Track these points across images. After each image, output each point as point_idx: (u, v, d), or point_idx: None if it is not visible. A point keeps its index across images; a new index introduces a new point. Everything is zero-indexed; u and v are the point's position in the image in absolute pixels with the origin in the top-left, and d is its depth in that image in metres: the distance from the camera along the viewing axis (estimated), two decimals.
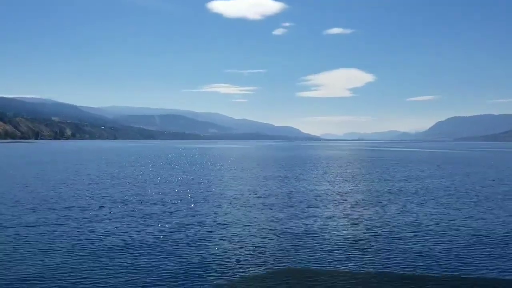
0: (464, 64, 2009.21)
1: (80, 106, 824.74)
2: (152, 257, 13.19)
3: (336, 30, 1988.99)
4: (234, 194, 26.72)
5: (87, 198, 24.38)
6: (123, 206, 21.54)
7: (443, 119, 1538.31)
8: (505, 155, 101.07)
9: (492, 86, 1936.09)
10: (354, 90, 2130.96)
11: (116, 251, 13.80)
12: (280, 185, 31.57)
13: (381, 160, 70.63)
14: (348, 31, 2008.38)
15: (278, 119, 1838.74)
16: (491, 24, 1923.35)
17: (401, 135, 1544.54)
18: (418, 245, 14.64)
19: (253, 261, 12.81)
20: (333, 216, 19.56)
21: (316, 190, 29.02)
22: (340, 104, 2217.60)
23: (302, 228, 16.96)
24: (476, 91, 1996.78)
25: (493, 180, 36.39)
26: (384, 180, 36.18)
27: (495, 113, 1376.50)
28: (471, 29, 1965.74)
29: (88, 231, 16.23)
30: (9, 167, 49.64)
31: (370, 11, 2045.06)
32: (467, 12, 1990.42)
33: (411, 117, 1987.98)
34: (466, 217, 19.40)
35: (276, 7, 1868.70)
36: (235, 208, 21.49)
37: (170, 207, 21.87)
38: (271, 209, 21.38)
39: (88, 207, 21.44)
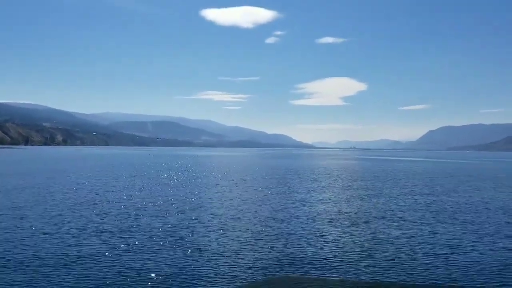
0: (456, 74, 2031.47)
1: (73, 112, 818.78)
2: (146, 264, 13.46)
3: (328, 39, 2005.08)
4: (234, 202, 24.70)
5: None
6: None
7: (434, 128, 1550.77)
8: None
9: (484, 96, 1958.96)
10: (346, 98, 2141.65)
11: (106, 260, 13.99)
12: (280, 196, 29.87)
13: (392, 171, 68.66)
14: (340, 40, 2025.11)
15: (271, 127, 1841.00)
16: (482, 34, 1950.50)
17: (393, 143, 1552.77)
18: (419, 255, 14.97)
19: (248, 269, 12.93)
20: (333, 225, 20.10)
21: (319, 201, 26.93)
22: (332, 112, 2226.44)
23: (299, 236, 17.32)
24: (467, 101, 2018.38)
25: None
26: (389, 194, 33.98)
27: (486, 123, 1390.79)
28: (463, 39, 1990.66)
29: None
30: None
31: (362, 21, 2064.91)
32: (459, 21, 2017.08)
33: (403, 126, 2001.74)
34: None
35: (268, 15, 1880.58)
36: (232, 216, 21.77)
37: (166, 214, 22.08)
38: (268, 217, 21.59)
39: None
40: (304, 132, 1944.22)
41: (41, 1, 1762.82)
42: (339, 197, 31.09)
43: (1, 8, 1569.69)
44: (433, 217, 22.72)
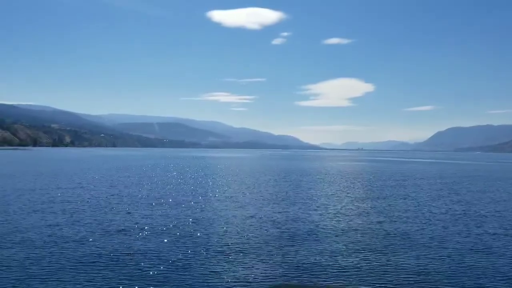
0: (463, 74, 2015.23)
1: (80, 113, 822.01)
2: (143, 268, 13.12)
3: (334, 40, 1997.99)
4: (250, 210, 22.57)
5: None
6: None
7: (442, 129, 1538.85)
8: None
9: (492, 97, 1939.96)
10: (353, 99, 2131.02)
11: (102, 262, 13.88)
12: (299, 201, 27.54)
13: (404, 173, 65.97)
14: (346, 41, 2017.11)
15: (277, 128, 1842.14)
16: (490, 34, 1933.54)
17: (400, 144, 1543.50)
18: (424, 263, 14.04)
19: (246, 275, 12.58)
20: (336, 231, 19.23)
21: (342, 207, 24.76)
22: (339, 113, 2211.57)
23: (301, 244, 16.54)
24: (475, 102, 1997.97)
25: None
26: (400, 197, 31.51)
27: (495, 124, 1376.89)
28: (470, 39, 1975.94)
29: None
30: None
31: (369, 21, 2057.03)
32: (466, 22, 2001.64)
33: (410, 127, 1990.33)
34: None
35: (274, 17, 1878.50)
36: (246, 224, 20.67)
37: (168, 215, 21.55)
38: (286, 226, 20.28)
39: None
40: (310, 133, 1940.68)
41: (46, 2, 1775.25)
42: (363, 203, 28.65)
43: (7, 11, 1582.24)
44: (478, 227, 20.27)
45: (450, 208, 26.64)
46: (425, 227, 20.23)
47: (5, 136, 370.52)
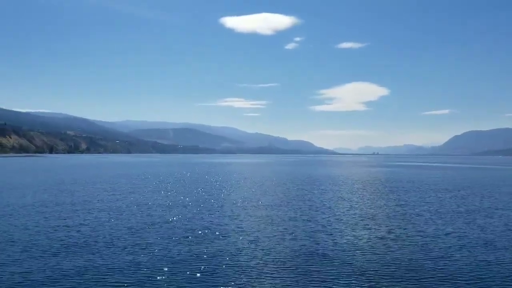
0: (480, 78, 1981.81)
1: (95, 120, 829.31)
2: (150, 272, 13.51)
3: (348, 44, 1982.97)
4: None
5: None
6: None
7: (459, 133, 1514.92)
8: None
9: (509, 100, 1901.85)
10: (367, 104, 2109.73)
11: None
12: (303, 203, 22.72)
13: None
14: (360, 44, 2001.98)
15: (291, 133, 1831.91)
16: (507, 36, 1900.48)
17: (417, 149, 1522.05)
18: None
19: (247, 280, 12.81)
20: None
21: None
22: (353, 118, 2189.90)
23: (310, 251, 16.25)
24: (492, 105, 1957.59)
25: None
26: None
27: None
28: (487, 43, 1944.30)
29: None
30: None
31: (382, 25, 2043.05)
32: (483, 26, 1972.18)
33: (427, 131, 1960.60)
34: None
35: (287, 22, 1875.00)
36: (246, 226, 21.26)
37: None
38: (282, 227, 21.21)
39: None
40: (325, 138, 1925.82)
41: (61, 10, 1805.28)
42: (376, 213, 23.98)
43: (20, 19, 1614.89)
44: None
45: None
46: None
47: (22, 143, 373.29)
